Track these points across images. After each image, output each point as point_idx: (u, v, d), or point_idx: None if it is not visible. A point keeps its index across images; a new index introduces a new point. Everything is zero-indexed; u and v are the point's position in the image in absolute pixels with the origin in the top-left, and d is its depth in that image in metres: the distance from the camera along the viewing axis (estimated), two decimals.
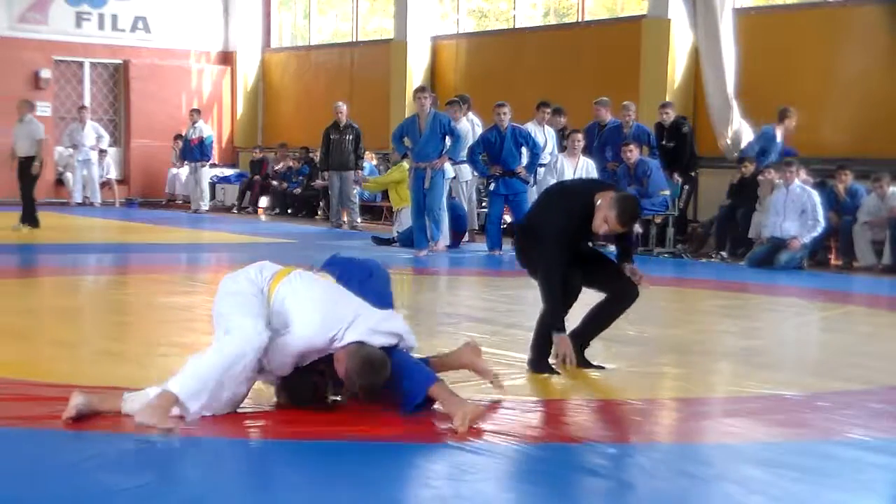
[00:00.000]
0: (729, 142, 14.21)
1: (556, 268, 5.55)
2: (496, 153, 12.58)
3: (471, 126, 13.98)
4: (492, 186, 12.83)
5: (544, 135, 13.75)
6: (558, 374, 5.66)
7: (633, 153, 12.93)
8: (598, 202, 5.46)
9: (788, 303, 9.58)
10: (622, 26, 16.13)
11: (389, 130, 14.46)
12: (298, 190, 19.15)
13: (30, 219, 14.44)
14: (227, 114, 22.73)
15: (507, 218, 13.46)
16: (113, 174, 21.03)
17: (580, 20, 17.10)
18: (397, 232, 13.89)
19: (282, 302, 4.53)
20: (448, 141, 12.60)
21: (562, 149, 13.78)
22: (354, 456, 4.12)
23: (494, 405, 4.88)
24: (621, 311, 5.90)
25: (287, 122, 22.05)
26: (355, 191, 16.74)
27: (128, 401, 4.44)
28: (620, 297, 5.84)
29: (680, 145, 13.61)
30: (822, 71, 13.76)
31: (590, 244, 6.08)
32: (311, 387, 4.59)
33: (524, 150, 12.62)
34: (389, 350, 4.55)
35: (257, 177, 20.06)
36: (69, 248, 12.52)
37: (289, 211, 19.31)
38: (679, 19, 14.76)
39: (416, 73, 18.69)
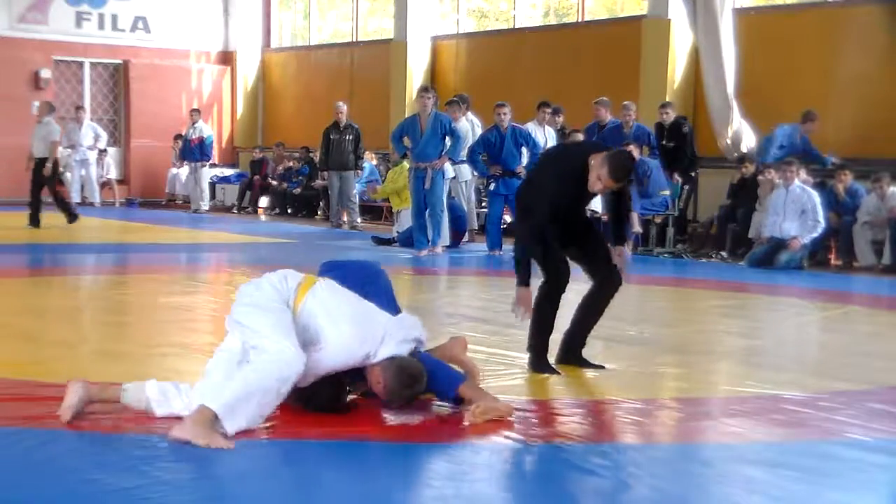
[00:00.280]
0: (729, 142, 14.20)
1: (537, 227, 5.63)
2: (496, 153, 12.58)
3: (470, 126, 13.98)
4: (492, 186, 12.82)
5: (544, 135, 13.74)
6: (558, 373, 5.67)
7: (633, 153, 12.91)
8: (592, 162, 5.50)
9: (788, 303, 9.58)
10: (622, 26, 16.13)
11: (389, 130, 14.45)
12: (298, 190, 19.16)
13: (32, 219, 14.68)
14: (227, 114, 22.73)
15: (507, 218, 13.46)
16: (113, 174, 21.03)
17: (580, 20, 17.10)
18: (397, 232, 13.89)
19: (310, 316, 4.48)
20: (448, 141, 12.59)
21: None
22: (355, 456, 4.12)
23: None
24: (607, 300, 5.91)
25: (287, 122, 22.05)
26: (355, 191, 16.74)
27: (128, 391, 4.44)
28: (605, 285, 5.86)
29: (680, 145, 13.62)
30: (822, 71, 13.76)
31: (588, 213, 6.06)
32: (331, 394, 4.57)
33: (524, 150, 12.62)
34: (415, 355, 4.58)
35: (257, 177, 20.07)
36: (69, 248, 12.52)
37: (289, 211, 19.32)
38: (679, 19, 14.76)
39: (416, 73, 18.70)
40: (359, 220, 16.76)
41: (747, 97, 14.04)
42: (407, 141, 12.71)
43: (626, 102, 13.67)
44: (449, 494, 3.71)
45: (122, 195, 21.08)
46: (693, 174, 13.88)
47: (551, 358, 5.78)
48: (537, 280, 5.77)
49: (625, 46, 15.38)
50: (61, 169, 16.48)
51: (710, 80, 14.33)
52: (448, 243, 13.09)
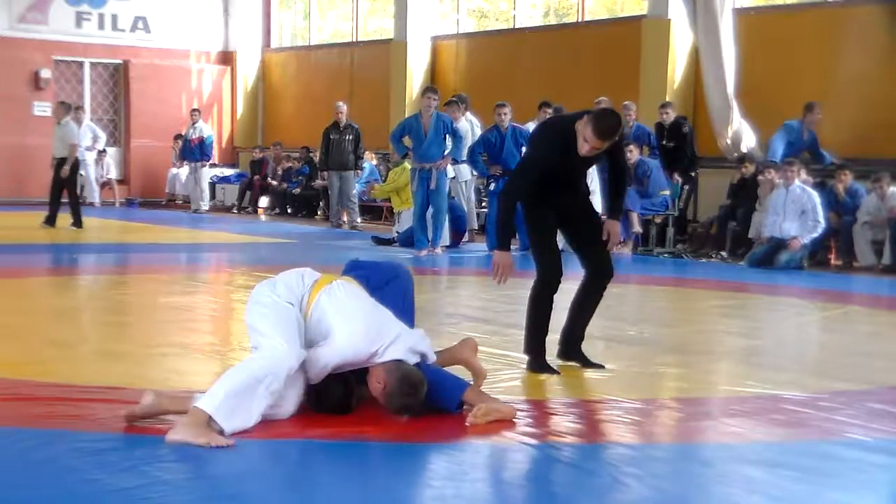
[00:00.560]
0: (729, 142, 14.20)
1: (517, 190, 5.61)
2: (496, 153, 12.58)
3: (469, 126, 13.98)
4: (492, 186, 12.82)
5: None
6: (557, 373, 5.67)
7: (633, 153, 12.92)
8: (578, 127, 5.46)
9: (788, 303, 9.58)
10: (622, 26, 16.13)
11: (389, 130, 14.44)
12: (298, 190, 19.16)
13: (49, 218, 14.84)
14: (227, 114, 22.73)
15: None
16: (113, 174, 21.03)
17: (580, 20, 17.10)
18: (397, 232, 13.89)
19: (323, 312, 4.49)
20: (450, 141, 12.59)
21: None
22: (355, 456, 4.12)
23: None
24: (600, 291, 5.90)
25: (287, 122, 22.05)
26: (355, 191, 16.74)
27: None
28: (596, 276, 5.85)
29: (680, 145, 13.62)
30: (822, 71, 13.76)
31: (586, 188, 6.00)
32: (341, 393, 4.56)
33: (524, 150, 12.60)
34: (419, 365, 4.59)
35: (257, 177, 20.07)
36: (69, 248, 12.52)
37: (289, 211, 19.32)
38: (679, 19, 14.76)
39: (416, 73, 18.70)
40: (359, 220, 16.76)
41: (747, 97, 14.04)
42: (407, 141, 12.70)
43: (626, 102, 13.68)
44: (449, 494, 3.71)
45: (122, 195, 21.08)
46: (693, 174, 13.88)
47: (551, 357, 5.78)
48: (530, 280, 5.77)
49: (625, 46, 15.38)
50: (81, 173, 16.49)
51: (710, 80, 14.33)
52: (448, 243, 13.09)
